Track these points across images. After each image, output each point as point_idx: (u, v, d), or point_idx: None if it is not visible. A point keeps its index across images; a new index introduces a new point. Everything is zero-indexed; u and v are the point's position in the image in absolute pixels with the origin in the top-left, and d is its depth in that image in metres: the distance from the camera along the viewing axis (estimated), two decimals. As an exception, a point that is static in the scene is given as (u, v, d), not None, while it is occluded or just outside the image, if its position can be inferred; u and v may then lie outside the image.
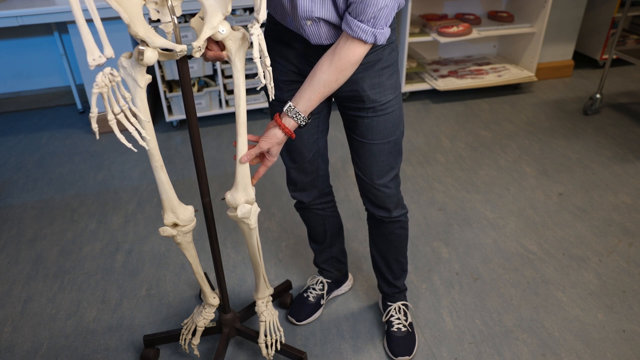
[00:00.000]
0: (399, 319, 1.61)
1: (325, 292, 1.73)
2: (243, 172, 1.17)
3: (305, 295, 1.73)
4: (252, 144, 1.18)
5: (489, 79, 3.28)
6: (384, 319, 1.64)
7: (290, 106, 1.14)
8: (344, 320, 1.71)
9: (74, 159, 2.72)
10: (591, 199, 2.31)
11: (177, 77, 2.84)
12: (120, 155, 2.73)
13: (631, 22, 3.76)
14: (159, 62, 2.72)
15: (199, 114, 2.94)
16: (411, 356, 1.56)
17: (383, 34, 1.06)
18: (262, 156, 1.20)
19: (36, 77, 3.26)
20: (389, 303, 1.65)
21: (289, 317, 1.70)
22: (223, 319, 1.49)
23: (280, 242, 2.07)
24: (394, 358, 1.54)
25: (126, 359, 1.59)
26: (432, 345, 1.62)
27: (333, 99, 1.35)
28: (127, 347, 1.63)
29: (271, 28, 1.29)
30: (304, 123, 1.15)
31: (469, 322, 1.69)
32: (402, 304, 1.64)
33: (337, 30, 1.14)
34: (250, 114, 3.12)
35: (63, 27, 3.02)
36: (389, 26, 1.08)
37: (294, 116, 1.14)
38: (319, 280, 1.75)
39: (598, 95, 2.99)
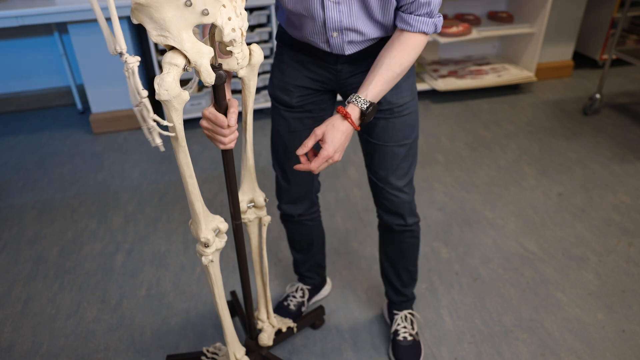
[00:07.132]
0: (405, 327, 1.59)
1: (305, 299, 1.72)
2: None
3: (285, 303, 1.71)
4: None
5: (489, 79, 3.28)
6: (391, 330, 1.61)
7: (352, 94, 1.10)
8: (344, 321, 1.71)
9: (74, 159, 2.72)
10: (591, 199, 2.31)
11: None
12: (120, 155, 2.73)
13: (631, 22, 3.76)
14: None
15: (198, 114, 2.94)
16: None
17: (441, 22, 1.09)
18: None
19: (36, 77, 3.26)
20: (395, 312, 1.63)
21: None
22: (249, 344, 1.44)
23: (280, 242, 2.08)
24: None
25: (126, 359, 1.59)
26: (432, 345, 1.62)
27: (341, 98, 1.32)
28: (127, 347, 1.63)
29: (284, 33, 1.26)
30: (365, 106, 1.08)
31: (468, 322, 1.70)
32: (409, 313, 1.62)
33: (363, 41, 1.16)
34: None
35: (63, 27, 3.02)
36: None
37: (354, 100, 1.08)
38: (298, 287, 1.73)
39: (598, 96, 2.99)
